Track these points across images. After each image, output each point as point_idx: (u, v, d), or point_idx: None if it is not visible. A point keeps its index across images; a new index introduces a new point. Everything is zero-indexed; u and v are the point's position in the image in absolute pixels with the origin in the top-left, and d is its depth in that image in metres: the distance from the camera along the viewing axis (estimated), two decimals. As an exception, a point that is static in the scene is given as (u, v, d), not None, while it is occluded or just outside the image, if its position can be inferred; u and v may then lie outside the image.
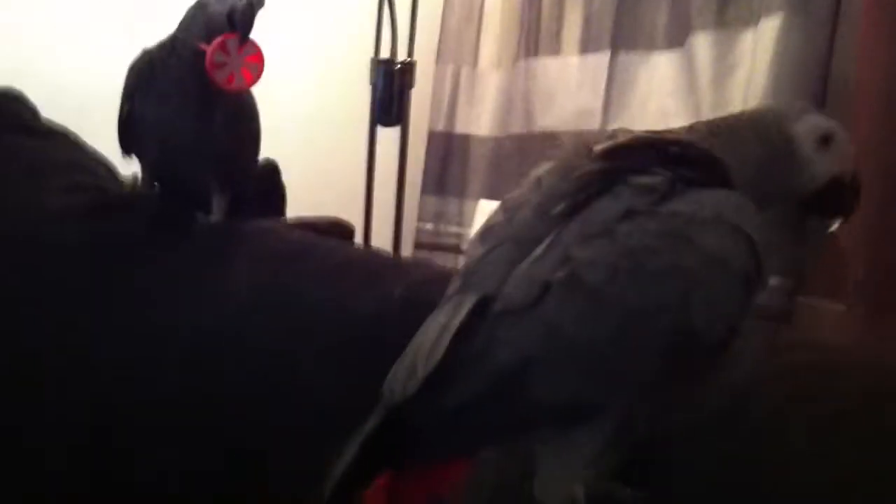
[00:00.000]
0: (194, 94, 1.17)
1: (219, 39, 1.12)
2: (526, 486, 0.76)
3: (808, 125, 0.81)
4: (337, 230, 1.40)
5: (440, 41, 2.17)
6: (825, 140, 0.80)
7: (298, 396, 0.99)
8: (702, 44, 1.59)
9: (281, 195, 1.58)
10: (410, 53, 2.03)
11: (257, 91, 2.07)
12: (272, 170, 1.55)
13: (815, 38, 1.39)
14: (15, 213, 1.15)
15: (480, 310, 0.74)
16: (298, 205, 1.77)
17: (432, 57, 2.18)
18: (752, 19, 1.50)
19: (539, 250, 0.73)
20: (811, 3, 1.40)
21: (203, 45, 1.13)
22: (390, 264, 1.15)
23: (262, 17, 2.07)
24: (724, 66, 1.55)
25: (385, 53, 1.99)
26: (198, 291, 1.08)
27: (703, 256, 0.71)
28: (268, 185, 1.53)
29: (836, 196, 0.81)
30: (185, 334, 1.05)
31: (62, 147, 1.29)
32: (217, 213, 1.23)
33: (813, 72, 1.40)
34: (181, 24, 1.20)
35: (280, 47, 2.13)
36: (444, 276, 1.08)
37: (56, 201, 1.17)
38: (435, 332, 0.75)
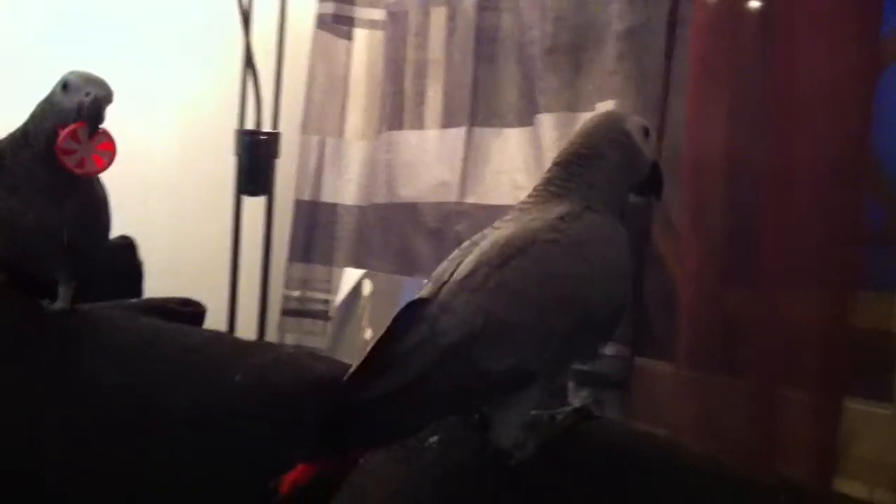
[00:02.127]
0: (44, 185, 1.18)
1: (70, 127, 1.15)
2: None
3: (634, 122, 1.05)
4: (187, 310, 1.41)
5: (305, 112, 2.21)
6: (646, 132, 1.05)
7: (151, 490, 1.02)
8: (546, 123, 1.68)
9: (136, 273, 1.59)
10: (275, 125, 2.08)
11: (122, 163, 2.08)
12: (127, 247, 1.56)
13: (646, 116, 1.49)
14: None
15: (421, 308, 0.95)
16: (165, 275, 1.78)
17: (295, 127, 2.22)
18: (589, 103, 1.60)
19: (467, 265, 0.97)
20: (641, 87, 1.51)
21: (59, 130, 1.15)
22: (232, 350, 1.18)
23: (128, 86, 2.10)
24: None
25: (250, 125, 2.04)
26: (44, 387, 1.08)
27: (595, 263, 0.98)
28: (123, 262, 1.54)
29: (655, 179, 1.06)
30: (29, 431, 1.05)
31: None
32: (62, 301, 1.23)
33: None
34: (31, 118, 1.22)
35: (145, 119, 2.16)
36: (284, 359, 1.13)
37: None
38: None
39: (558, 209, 1.01)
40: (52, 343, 1.15)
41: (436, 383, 0.91)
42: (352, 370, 0.94)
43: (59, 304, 1.23)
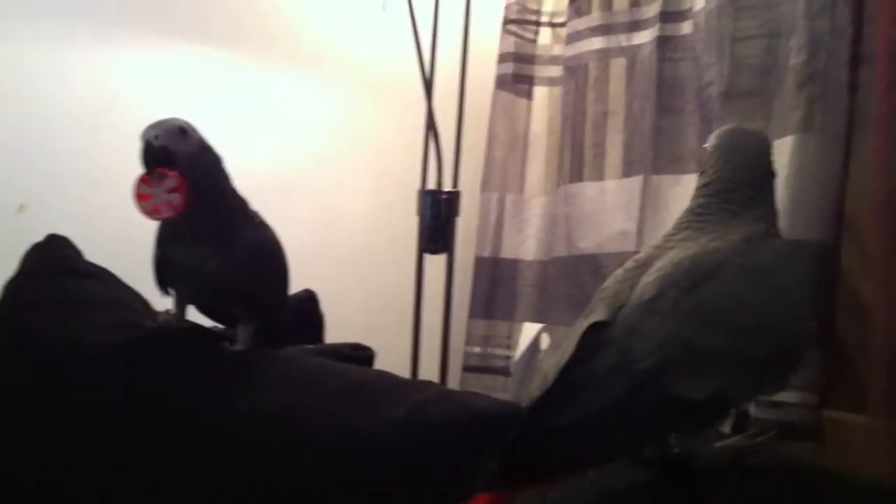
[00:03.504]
0: (206, 233, 1.22)
1: (141, 174, 1.15)
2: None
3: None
4: (357, 354, 1.44)
5: (485, 170, 2.25)
6: None
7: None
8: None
9: (318, 323, 1.64)
10: (455, 184, 2.11)
11: (315, 223, 2.17)
12: (309, 299, 1.61)
13: (830, 153, 1.43)
14: (56, 348, 1.22)
15: (600, 331, 0.93)
16: (350, 331, 1.83)
17: (475, 186, 2.25)
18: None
19: (651, 287, 0.95)
20: (825, 122, 1.43)
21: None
22: (395, 386, 1.19)
23: (319, 154, 2.20)
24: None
25: (431, 185, 2.08)
26: (215, 417, 1.13)
27: (784, 290, 0.95)
28: (305, 313, 1.60)
29: None
30: (199, 459, 1.10)
31: (103, 286, 1.37)
32: (241, 343, 1.27)
33: (829, 184, 1.42)
34: None
35: (336, 184, 2.27)
36: (446, 397, 1.13)
37: (94, 336, 1.23)
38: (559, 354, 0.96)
39: (740, 230, 0.99)
40: (221, 376, 1.20)
41: (631, 410, 0.89)
42: (536, 395, 0.92)
43: (238, 346, 1.28)
